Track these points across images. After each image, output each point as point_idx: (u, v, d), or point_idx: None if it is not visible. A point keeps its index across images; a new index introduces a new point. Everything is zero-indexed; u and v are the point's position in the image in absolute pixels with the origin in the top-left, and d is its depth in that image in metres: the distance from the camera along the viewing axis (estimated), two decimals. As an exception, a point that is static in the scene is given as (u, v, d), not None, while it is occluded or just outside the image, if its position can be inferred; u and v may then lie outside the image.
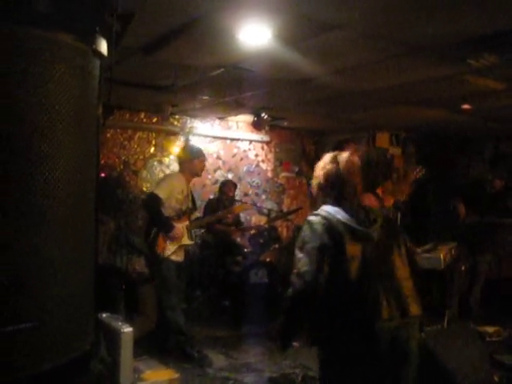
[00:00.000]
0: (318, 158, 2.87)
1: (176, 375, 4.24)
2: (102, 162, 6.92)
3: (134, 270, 6.45)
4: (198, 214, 6.24)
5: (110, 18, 2.13)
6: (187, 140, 7.79)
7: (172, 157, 7.66)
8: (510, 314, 6.19)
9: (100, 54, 2.01)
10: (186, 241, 5.19)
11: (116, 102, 6.18)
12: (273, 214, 7.40)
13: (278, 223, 8.21)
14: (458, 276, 6.47)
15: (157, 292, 5.25)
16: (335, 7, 3.25)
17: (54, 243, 1.73)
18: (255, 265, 6.35)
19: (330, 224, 2.53)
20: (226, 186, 7.17)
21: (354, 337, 2.48)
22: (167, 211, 5.01)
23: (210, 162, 7.45)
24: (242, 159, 8.56)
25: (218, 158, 8.28)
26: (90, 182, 1.98)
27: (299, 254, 2.52)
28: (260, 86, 5.48)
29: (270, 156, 8.92)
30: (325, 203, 2.68)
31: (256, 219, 8.45)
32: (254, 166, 8.72)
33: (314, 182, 2.78)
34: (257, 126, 7.45)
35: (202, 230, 7.15)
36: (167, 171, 7.53)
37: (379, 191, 5.22)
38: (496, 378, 4.28)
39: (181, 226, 5.09)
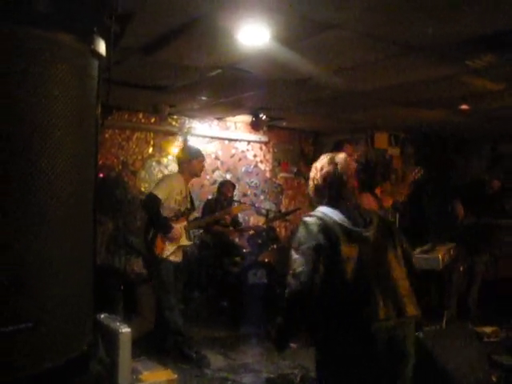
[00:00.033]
0: (317, 158, 2.88)
1: (174, 376, 4.23)
2: (101, 162, 6.91)
3: (132, 271, 6.45)
4: (196, 214, 6.24)
5: (108, 18, 2.13)
6: (185, 140, 7.78)
7: (170, 157, 7.66)
8: (508, 314, 6.20)
9: (98, 55, 2.01)
10: (185, 241, 5.19)
11: (114, 102, 6.19)
12: (271, 215, 7.40)
13: (277, 224, 8.22)
14: (456, 276, 6.48)
15: (155, 293, 5.25)
16: (334, 7, 3.25)
17: (54, 243, 1.73)
18: (253, 265, 6.35)
19: (325, 225, 2.54)
20: (225, 187, 7.17)
21: (350, 337, 2.48)
22: (166, 212, 5.01)
23: (208, 163, 7.44)
24: (240, 160, 8.56)
25: (217, 158, 8.28)
26: (89, 183, 1.98)
27: (295, 255, 2.53)
28: (258, 86, 5.48)
29: (269, 156, 8.92)
30: (321, 204, 2.69)
31: (254, 220, 8.46)
32: (252, 166, 8.72)
33: (312, 183, 2.78)
34: (255, 126, 7.46)
35: (201, 231, 7.16)
36: (165, 172, 7.53)
37: (378, 191, 5.25)
38: (494, 379, 4.29)
39: (179, 227, 5.09)
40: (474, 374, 3.93)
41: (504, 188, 6.96)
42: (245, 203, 7.51)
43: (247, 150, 8.65)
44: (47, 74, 1.67)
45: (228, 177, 8.23)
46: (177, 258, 5.11)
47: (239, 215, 7.60)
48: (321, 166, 2.74)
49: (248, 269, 6.30)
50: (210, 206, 6.82)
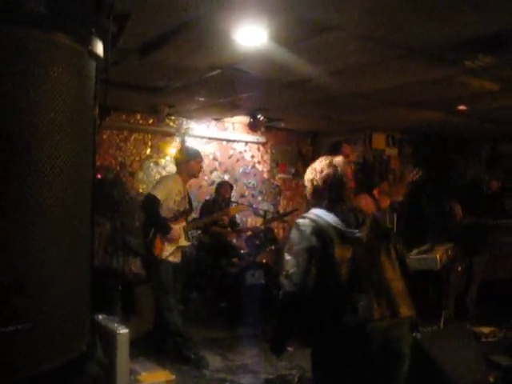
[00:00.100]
0: (315, 159, 2.89)
1: (172, 377, 4.23)
2: (98, 163, 6.91)
3: (130, 271, 6.44)
4: (194, 215, 6.24)
5: (106, 19, 2.13)
6: (183, 141, 7.78)
7: (168, 158, 7.66)
8: (506, 314, 6.20)
9: (96, 56, 2.01)
10: (184, 242, 5.19)
11: (112, 103, 6.19)
12: (269, 216, 7.42)
13: (275, 224, 8.21)
14: (454, 277, 6.49)
15: (154, 293, 5.24)
16: (331, 9, 3.25)
17: (53, 244, 1.73)
18: (251, 266, 6.36)
19: (318, 227, 2.56)
20: (223, 188, 7.18)
21: (344, 338, 2.50)
22: (164, 212, 5.00)
23: (206, 164, 7.44)
24: (238, 160, 8.56)
25: (214, 159, 8.28)
26: (87, 183, 1.98)
27: (287, 256, 2.58)
28: (256, 87, 5.49)
29: (266, 157, 8.92)
30: (320, 206, 2.70)
31: (252, 220, 8.46)
32: (250, 167, 8.72)
33: (310, 185, 2.78)
34: (253, 127, 7.47)
35: (199, 232, 7.16)
36: (163, 172, 7.53)
37: (375, 192, 5.24)
38: (491, 379, 4.29)
39: (178, 228, 5.09)
40: (471, 374, 3.94)
41: (504, 188, 6.97)
42: (243, 204, 7.51)
43: (245, 150, 8.65)
44: (45, 74, 1.67)
45: (226, 178, 8.22)
46: (176, 259, 5.11)
47: (237, 216, 7.61)
48: (320, 168, 2.76)
49: (246, 269, 6.30)
50: (208, 207, 6.82)
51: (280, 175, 9.09)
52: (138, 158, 7.50)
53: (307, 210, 2.77)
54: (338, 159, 2.79)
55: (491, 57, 4.10)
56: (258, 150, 8.82)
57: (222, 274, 6.63)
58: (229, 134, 8.43)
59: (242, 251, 7.00)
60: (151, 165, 7.61)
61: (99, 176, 6.71)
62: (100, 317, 3.69)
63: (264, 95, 5.94)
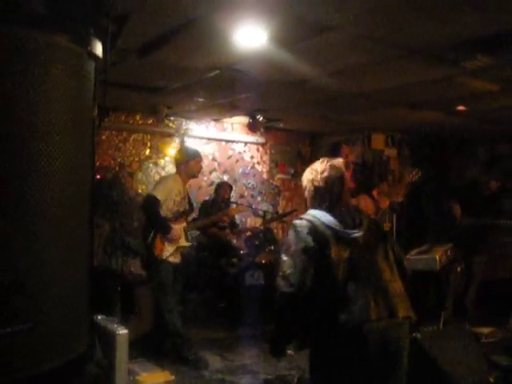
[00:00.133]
0: (314, 159, 2.89)
1: (172, 377, 4.23)
2: (97, 163, 6.91)
3: (129, 272, 6.43)
4: (193, 215, 6.23)
5: (105, 20, 2.13)
6: (182, 142, 7.78)
7: (167, 159, 7.65)
8: (505, 314, 6.20)
9: (95, 56, 2.01)
10: (184, 242, 5.18)
11: (111, 103, 6.18)
12: (268, 216, 7.41)
13: (274, 225, 8.21)
14: (453, 277, 6.48)
15: (154, 294, 5.23)
16: (331, 9, 3.25)
17: (52, 244, 1.73)
18: (251, 267, 6.35)
19: (314, 227, 2.56)
20: (222, 188, 7.17)
21: (341, 339, 2.49)
22: (164, 213, 5.00)
23: (205, 164, 7.42)
24: (237, 161, 8.55)
25: (214, 159, 8.27)
26: (86, 184, 1.98)
27: (284, 257, 2.58)
28: (255, 87, 5.48)
29: (266, 158, 8.92)
30: (319, 207, 2.70)
31: (251, 221, 8.46)
32: (249, 167, 8.72)
33: (311, 185, 2.77)
34: (252, 127, 7.46)
35: (198, 232, 7.15)
36: (162, 173, 7.52)
37: (375, 193, 5.25)
38: (491, 379, 4.28)
39: (178, 228, 5.08)
40: (471, 374, 3.94)
41: (502, 188, 6.97)
42: (242, 204, 7.50)
43: (244, 151, 8.64)
44: (45, 74, 1.67)
45: (225, 178, 8.21)
46: (176, 259, 5.11)
47: (236, 216, 7.60)
48: (322, 169, 2.75)
49: (245, 270, 6.30)
50: (207, 208, 6.82)
51: (279, 176, 9.08)
52: (137, 159, 7.49)
53: (306, 210, 2.77)
54: (339, 160, 2.81)
55: (491, 57, 4.10)
56: (258, 150, 8.81)
57: (221, 274, 6.62)
58: (228, 134, 8.42)
59: (241, 252, 6.99)
60: (150, 165, 7.60)
61: (98, 176, 6.71)
62: (99, 317, 3.70)
63: (263, 96, 5.94)
